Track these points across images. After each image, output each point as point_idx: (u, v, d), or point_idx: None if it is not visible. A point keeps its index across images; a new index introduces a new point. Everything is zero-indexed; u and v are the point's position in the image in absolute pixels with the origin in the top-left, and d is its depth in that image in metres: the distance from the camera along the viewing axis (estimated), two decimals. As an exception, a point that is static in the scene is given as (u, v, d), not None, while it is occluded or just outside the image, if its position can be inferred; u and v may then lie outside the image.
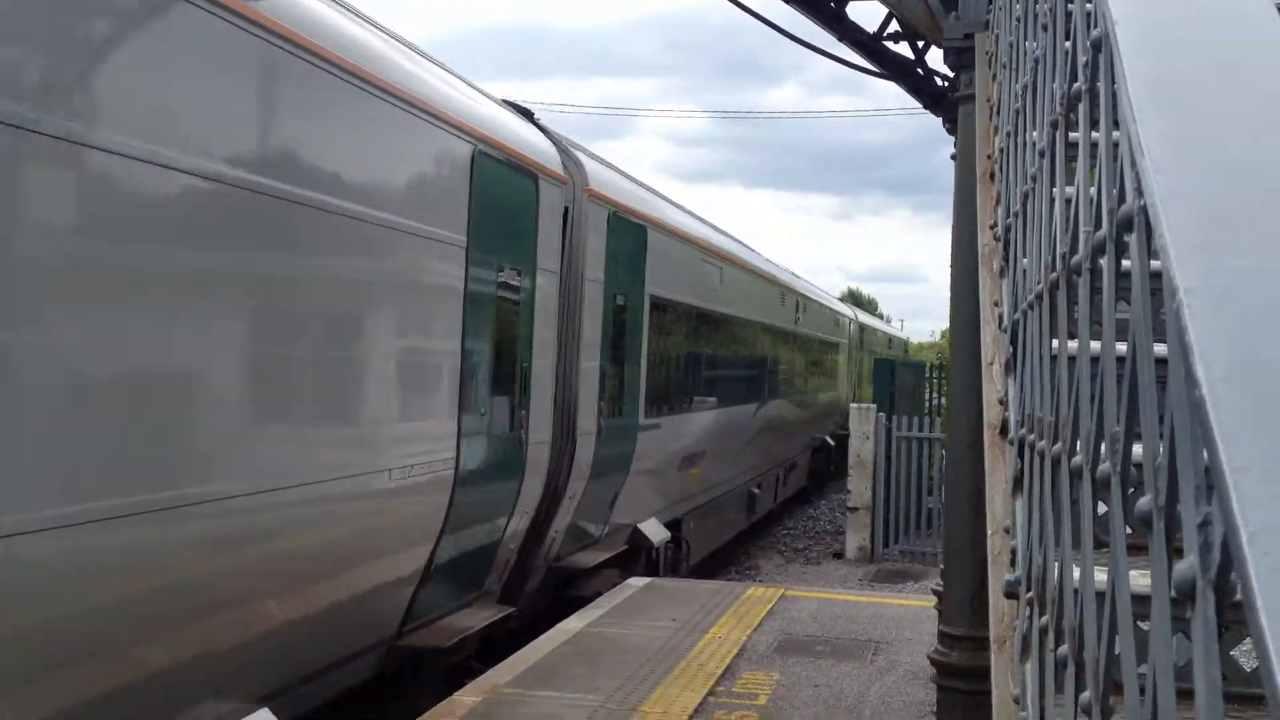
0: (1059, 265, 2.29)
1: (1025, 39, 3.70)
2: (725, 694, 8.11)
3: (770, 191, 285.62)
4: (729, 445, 18.63)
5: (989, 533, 3.23)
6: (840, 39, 7.56)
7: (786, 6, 7.19)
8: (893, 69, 7.61)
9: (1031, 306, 2.80)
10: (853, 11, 7.48)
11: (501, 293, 9.56)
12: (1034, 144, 3.20)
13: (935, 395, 25.10)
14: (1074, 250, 2.08)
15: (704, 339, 17.10)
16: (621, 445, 12.65)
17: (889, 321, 79.98)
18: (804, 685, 8.36)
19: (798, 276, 27.87)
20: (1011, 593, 2.87)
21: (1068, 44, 2.25)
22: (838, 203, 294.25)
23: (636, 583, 12.10)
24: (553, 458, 10.87)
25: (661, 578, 12.97)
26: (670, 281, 14.60)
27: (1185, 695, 1.28)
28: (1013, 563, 3.01)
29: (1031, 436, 2.68)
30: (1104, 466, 1.60)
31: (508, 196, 9.64)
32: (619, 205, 12.41)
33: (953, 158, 7.28)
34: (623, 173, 14.03)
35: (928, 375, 25.98)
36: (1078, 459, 1.89)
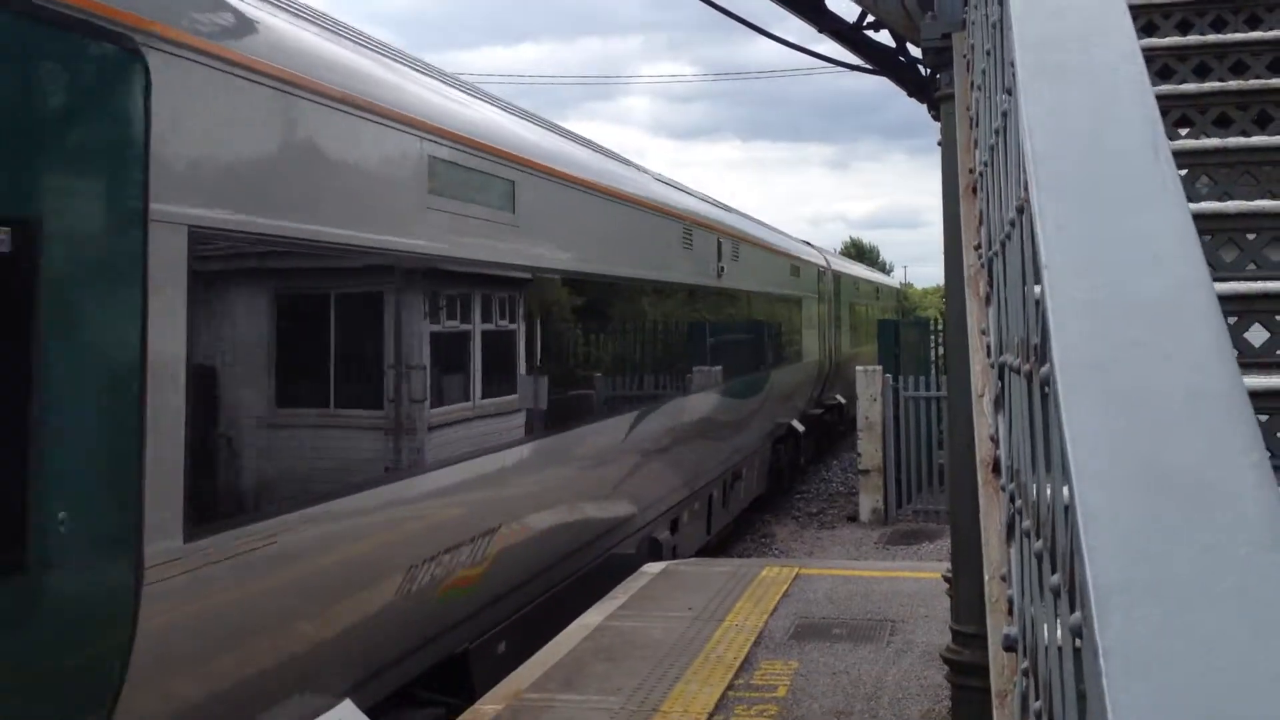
0: (1033, 355, 2.31)
1: (996, 70, 3.70)
2: (744, 687, 8.20)
3: (768, 143, 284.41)
4: (571, 494, 10.88)
5: (986, 577, 3.27)
6: (820, 30, 7.53)
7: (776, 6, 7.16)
8: (875, 59, 7.59)
9: (1015, 370, 2.82)
10: (831, 2, 7.45)
11: None
12: (1009, 188, 3.21)
13: (942, 349, 25.03)
14: (1044, 356, 2.10)
15: (456, 319, 8.64)
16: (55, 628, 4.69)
17: (890, 270, 79.81)
18: (822, 673, 8.45)
19: (729, 209, 19.59)
20: (1010, 646, 2.90)
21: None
22: (834, 151, 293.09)
23: (652, 569, 12.19)
24: None
25: (677, 561, 13.04)
26: (297, 190, 6.32)
27: None
28: (1010, 612, 3.05)
29: (1019, 502, 2.71)
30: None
31: None
32: None
33: (939, 144, 7.27)
34: None
35: (932, 330, 25.87)
36: (1055, 578, 1.92)
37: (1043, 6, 1.76)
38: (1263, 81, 4.51)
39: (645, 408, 13.20)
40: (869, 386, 19.70)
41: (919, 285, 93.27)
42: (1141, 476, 0.97)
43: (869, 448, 19.58)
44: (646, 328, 13.76)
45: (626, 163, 14.42)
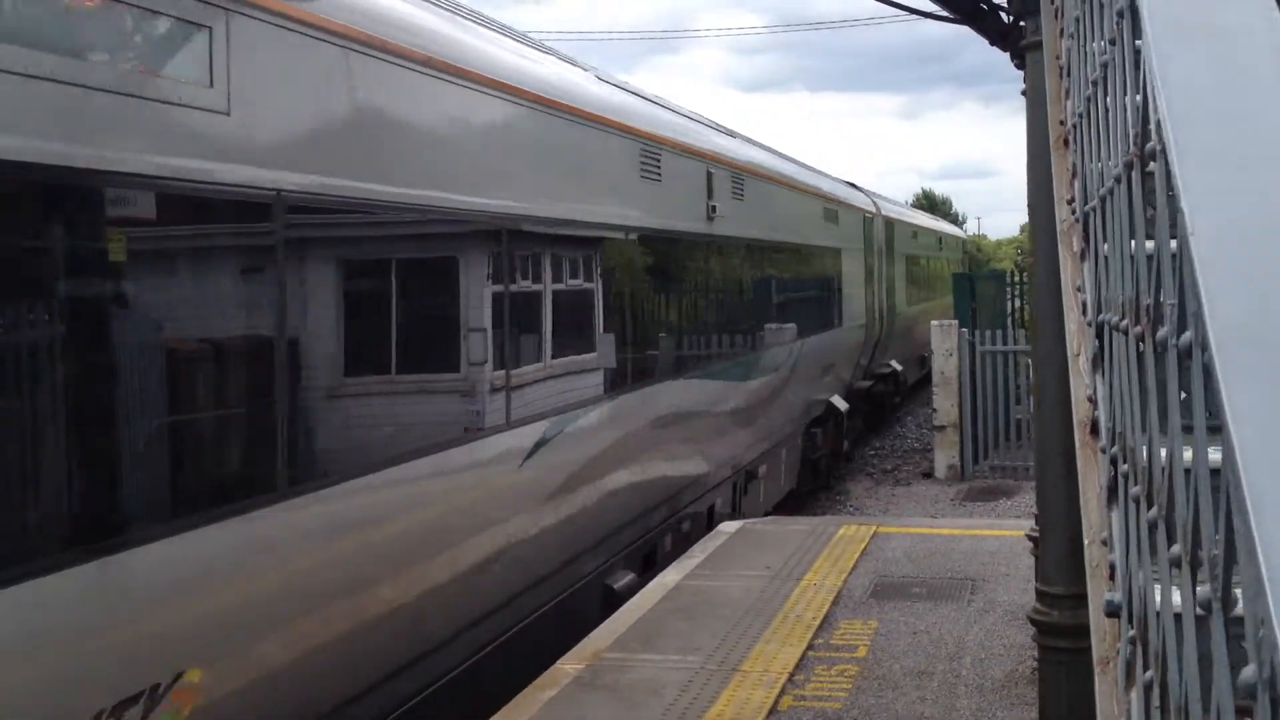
0: (1143, 317, 2.23)
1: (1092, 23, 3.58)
2: (824, 647, 8.17)
3: (835, 94, 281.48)
4: (439, 556, 7.20)
5: (1085, 540, 3.19)
6: (899, -20, 7.38)
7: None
8: (955, 6, 7.42)
9: (1119, 330, 2.73)
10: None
11: None
12: (1111, 135, 3.12)
13: (1018, 301, 24.60)
14: (1157, 318, 2.02)
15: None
16: None
17: (963, 221, 78.63)
18: (902, 633, 8.39)
19: (732, 134, 15.38)
20: (1113, 613, 2.84)
21: (1137, 98, 2.17)
22: (905, 101, 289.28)
23: (728, 528, 12.18)
24: None
25: (753, 520, 13.02)
26: None
27: None
28: (1112, 577, 2.98)
29: (1125, 467, 2.63)
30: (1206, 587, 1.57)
31: None
32: None
33: (1023, 94, 7.10)
34: None
35: (1009, 282, 25.40)
36: (1176, 549, 1.86)
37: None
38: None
39: (580, 409, 9.19)
40: (944, 341, 19.48)
41: (993, 236, 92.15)
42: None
43: (944, 403, 19.38)
44: (574, 293, 9.73)
45: (547, 51, 10.21)
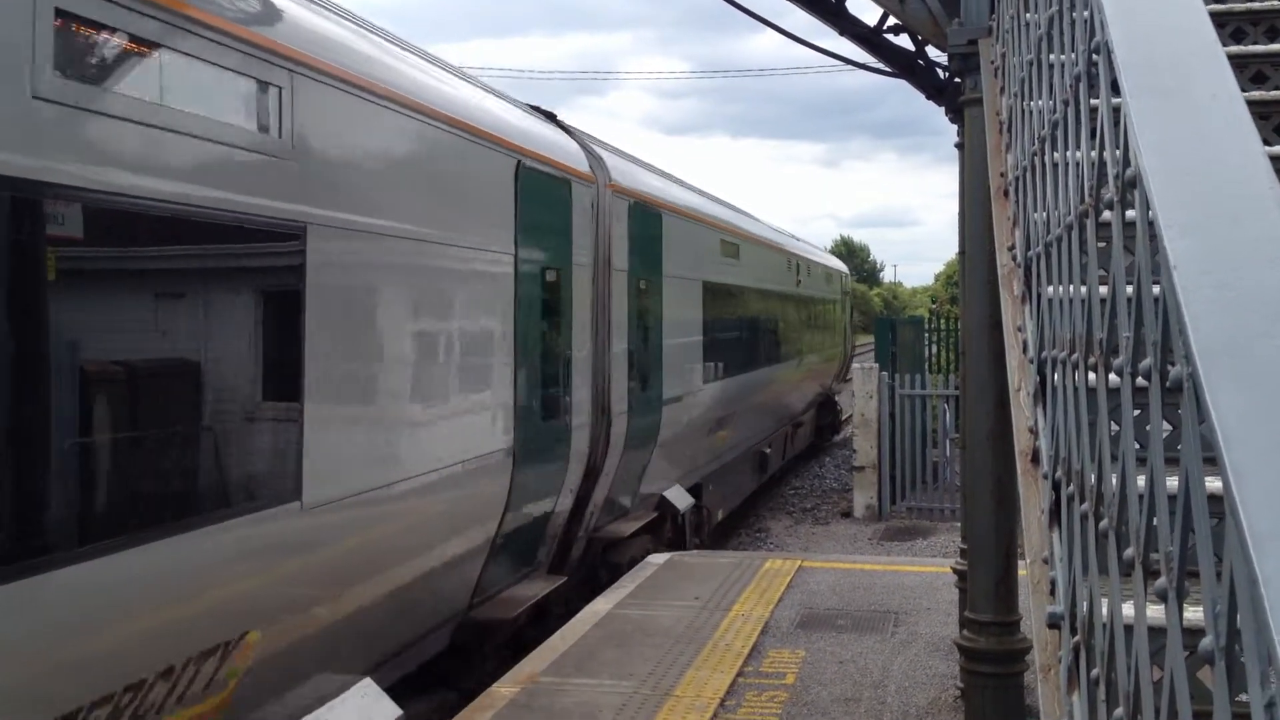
0: (1095, 349, 2.49)
1: (1038, 77, 3.87)
2: (754, 674, 8.39)
3: (757, 140, 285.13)
4: None
5: (1028, 560, 3.45)
6: (840, 33, 7.71)
7: (785, 1, 7.34)
8: (894, 62, 7.77)
9: (1062, 364, 3.00)
10: (852, 4, 7.63)
11: None
12: (1057, 191, 3.39)
13: (935, 347, 25.20)
14: (1113, 349, 2.28)
15: None
16: None
17: (880, 269, 79.92)
18: (829, 662, 8.64)
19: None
20: (1054, 624, 3.09)
21: (1093, 154, 2.44)
22: (824, 149, 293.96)
23: (656, 559, 12.37)
24: None
25: (682, 553, 13.20)
26: None
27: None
28: (1052, 592, 3.23)
29: (1071, 488, 2.89)
30: (1161, 582, 1.81)
31: None
32: None
33: (957, 146, 7.45)
34: None
35: (926, 329, 25.99)
36: (1130, 552, 2.10)
37: (1138, 33, 1.95)
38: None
39: None
40: (865, 383, 19.93)
41: (908, 284, 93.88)
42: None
43: (864, 444, 19.80)
44: None
45: None
